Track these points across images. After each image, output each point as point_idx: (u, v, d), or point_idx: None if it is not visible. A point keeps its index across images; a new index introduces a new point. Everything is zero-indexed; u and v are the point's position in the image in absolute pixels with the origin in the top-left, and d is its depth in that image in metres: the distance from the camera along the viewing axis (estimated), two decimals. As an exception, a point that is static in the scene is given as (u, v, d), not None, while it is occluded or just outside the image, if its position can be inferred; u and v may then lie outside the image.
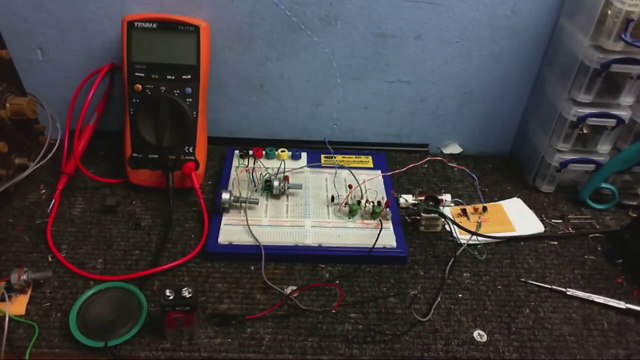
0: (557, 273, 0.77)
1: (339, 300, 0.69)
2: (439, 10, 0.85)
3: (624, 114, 0.82)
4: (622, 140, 0.87)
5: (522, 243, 0.82)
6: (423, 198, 0.82)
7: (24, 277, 0.67)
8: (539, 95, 0.92)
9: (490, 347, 0.66)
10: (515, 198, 0.90)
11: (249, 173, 0.86)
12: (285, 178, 0.84)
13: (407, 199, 0.84)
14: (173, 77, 0.82)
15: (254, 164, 0.88)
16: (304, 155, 0.94)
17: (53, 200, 0.82)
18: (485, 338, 0.67)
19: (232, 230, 0.78)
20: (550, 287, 0.74)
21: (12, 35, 0.82)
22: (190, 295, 0.61)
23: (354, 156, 0.95)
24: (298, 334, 0.66)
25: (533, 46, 0.89)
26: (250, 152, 0.90)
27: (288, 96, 0.94)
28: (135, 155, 0.84)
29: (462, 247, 0.79)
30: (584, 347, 0.67)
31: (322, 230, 0.78)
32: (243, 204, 0.80)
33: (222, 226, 0.78)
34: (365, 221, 0.81)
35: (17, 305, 0.67)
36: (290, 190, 0.84)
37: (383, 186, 0.88)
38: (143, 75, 0.82)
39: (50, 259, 0.74)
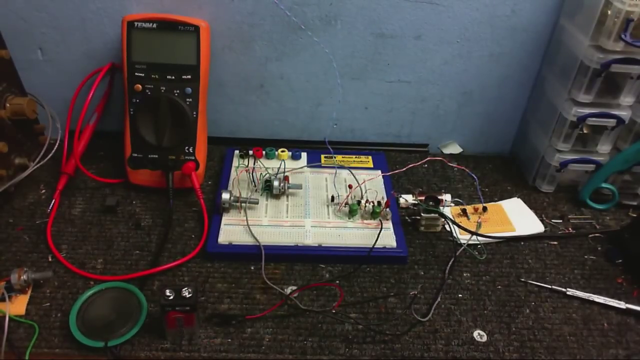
0: (557, 273, 0.77)
1: (339, 300, 0.69)
2: (439, 10, 0.85)
3: (624, 114, 0.82)
4: (622, 140, 0.87)
5: (522, 243, 0.82)
6: (423, 198, 0.82)
7: (24, 277, 0.67)
8: (539, 96, 0.92)
9: (490, 347, 0.66)
10: (515, 198, 0.90)
11: (249, 173, 0.86)
12: (285, 178, 0.84)
13: (407, 199, 0.84)
14: (173, 77, 0.82)
15: (254, 164, 0.88)
16: (304, 155, 0.94)
17: (53, 200, 0.82)
18: (485, 338, 0.67)
19: (232, 230, 0.78)
20: (550, 287, 0.74)
21: (12, 35, 0.82)
22: (190, 295, 0.61)
23: (354, 156, 0.95)
24: (298, 334, 0.66)
25: (533, 46, 0.89)
26: (250, 152, 0.90)
27: (288, 96, 0.94)
28: (135, 155, 0.84)
29: (462, 247, 0.79)
30: (584, 347, 0.67)
31: (322, 230, 0.78)
32: (243, 204, 0.80)
33: (222, 226, 0.78)
34: (365, 221, 0.81)
35: (17, 305, 0.67)
36: (290, 190, 0.84)
37: (383, 186, 0.88)
38: (143, 75, 0.82)
39: (50, 259, 0.74)
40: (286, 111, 0.96)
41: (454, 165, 0.94)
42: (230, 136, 0.99)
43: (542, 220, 0.86)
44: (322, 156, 0.94)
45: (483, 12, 0.85)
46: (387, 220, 0.81)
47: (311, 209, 0.82)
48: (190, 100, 0.83)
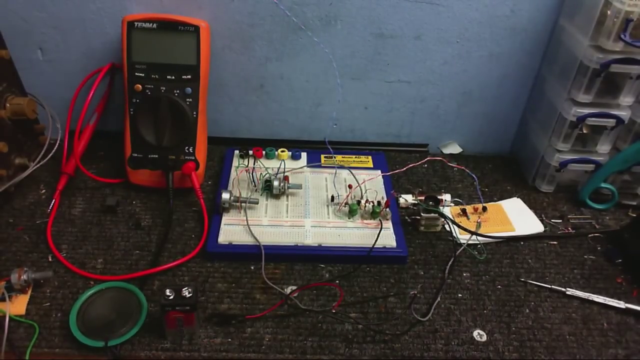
0: (556, 273, 0.77)
1: (339, 300, 0.69)
2: (439, 10, 0.85)
3: (624, 114, 0.82)
4: (621, 140, 0.87)
5: (522, 243, 0.82)
6: (423, 198, 0.82)
7: (24, 277, 0.67)
8: (539, 95, 0.93)
9: (490, 347, 0.66)
10: (515, 198, 0.90)
11: (249, 173, 0.86)
12: (285, 178, 0.84)
13: (407, 199, 0.84)
14: (173, 77, 0.82)
15: (254, 164, 0.88)
16: (304, 155, 0.94)
17: (53, 200, 0.82)
18: (485, 338, 0.67)
19: (232, 230, 0.78)
20: (549, 287, 0.74)
21: (12, 35, 0.82)
22: (190, 295, 0.61)
23: (353, 156, 0.95)
24: (298, 334, 0.66)
25: (533, 46, 0.89)
26: (250, 152, 0.90)
27: (288, 96, 0.94)
28: (135, 155, 0.84)
29: (462, 247, 0.79)
30: (583, 346, 0.67)
31: (322, 230, 0.79)
32: (243, 204, 0.81)
33: (222, 226, 0.78)
34: (365, 221, 0.81)
35: (18, 305, 0.67)
36: (290, 190, 0.85)
37: (383, 186, 0.88)
38: (143, 75, 0.82)
39: (50, 259, 0.74)
40: (286, 111, 0.96)
41: (454, 165, 0.94)
42: (230, 136, 0.99)
43: (541, 220, 0.86)
44: (322, 156, 0.94)
45: (483, 12, 0.85)
46: (387, 220, 0.81)
47: (311, 209, 0.82)
48: (190, 100, 0.83)
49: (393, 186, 0.89)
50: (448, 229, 0.81)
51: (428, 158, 0.93)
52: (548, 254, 0.80)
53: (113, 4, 0.84)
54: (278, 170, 0.86)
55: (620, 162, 0.85)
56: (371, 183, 0.86)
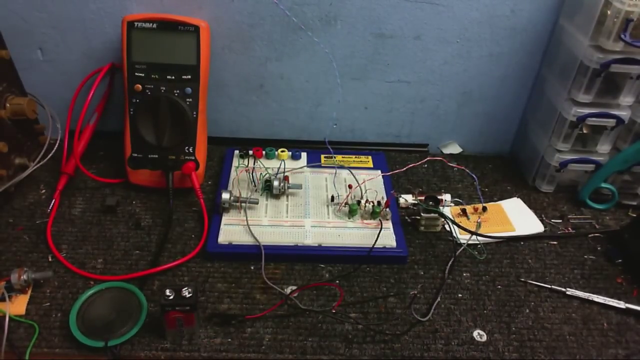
0: (556, 273, 0.77)
1: (339, 300, 0.69)
2: (439, 10, 0.85)
3: (624, 114, 0.82)
4: (621, 140, 0.87)
5: (522, 243, 0.82)
6: (423, 198, 0.82)
7: (24, 277, 0.67)
8: (539, 95, 0.92)
9: (490, 347, 0.66)
10: (515, 198, 0.90)
11: (249, 173, 0.86)
12: (285, 178, 0.84)
13: (407, 199, 0.84)
14: (173, 77, 0.82)
15: (254, 164, 0.88)
16: (304, 155, 0.94)
17: (53, 200, 0.82)
18: (485, 338, 0.67)
19: (232, 230, 0.78)
20: (550, 287, 0.74)
21: (12, 35, 0.82)
22: (190, 295, 0.61)
23: (353, 156, 0.95)
24: (298, 334, 0.66)
25: (533, 46, 0.89)
26: (250, 152, 0.90)
27: (288, 96, 0.94)
28: (135, 155, 0.84)
29: (462, 247, 0.79)
30: (583, 346, 0.67)
31: (322, 230, 0.79)
32: (243, 204, 0.81)
33: (222, 226, 0.78)
34: (365, 221, 0.81)
35: (17, 305, 0.67)
36: (290, 190, 0.85)
37: (383, 186, 0.88)
38: (143, 75, 0.82)
39: (50, 259, 0.74)
40: (286, 111, 0.96)
41: (454, 165, 0.94)
42: (230, 136, 0.99)
43: (541, 220, 0.86)
44: (322, 156, 0.94)
45: (483, 12, 0.85)
46: (387, 220, 0.81)
47: (311, 209, 0.82)
48: (190, 100, 0.83)
49: (393, 186, 0.89)
50: (448, 229, 0.81)
51: (428, 158, 0.93)
52: (548, 254, 0.80)
53: (113, 4, 0.84)
54: (278, 170, 0.86)
55: (620, 162, 0.85)
56: (371, 183, 0.86)
